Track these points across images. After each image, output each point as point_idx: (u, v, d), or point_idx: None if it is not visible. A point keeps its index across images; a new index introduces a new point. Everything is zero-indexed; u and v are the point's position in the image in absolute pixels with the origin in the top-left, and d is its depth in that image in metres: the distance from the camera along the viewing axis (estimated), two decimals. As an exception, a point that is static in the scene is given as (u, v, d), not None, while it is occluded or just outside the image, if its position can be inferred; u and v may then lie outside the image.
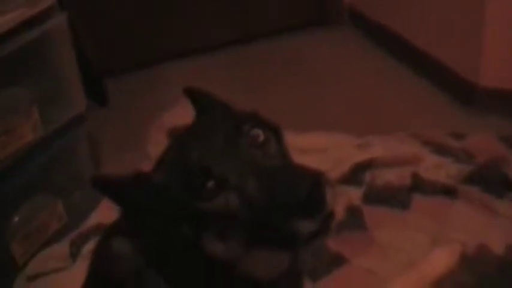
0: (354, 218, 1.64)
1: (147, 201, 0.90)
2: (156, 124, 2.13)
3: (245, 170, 0.84)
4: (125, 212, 0.96)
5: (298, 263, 1.06)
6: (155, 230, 0.91)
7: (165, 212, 0.88)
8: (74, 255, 1.64)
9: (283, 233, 0.82)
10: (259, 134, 0.91)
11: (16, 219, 1.88)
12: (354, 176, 1.77)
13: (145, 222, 0.92)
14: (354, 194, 1.71)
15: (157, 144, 1.96)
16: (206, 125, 0.95)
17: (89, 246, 1.59)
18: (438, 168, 1.81)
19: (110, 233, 1.04)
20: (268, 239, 0.84)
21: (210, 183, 0.84)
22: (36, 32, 1.86)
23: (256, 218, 0.83)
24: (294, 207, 0.80)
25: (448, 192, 1.73)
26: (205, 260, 0.88)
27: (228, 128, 0.90)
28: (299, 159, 1.62)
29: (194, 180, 0.85)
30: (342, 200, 1.65)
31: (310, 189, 0.81)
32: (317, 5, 3.58)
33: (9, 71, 1.83)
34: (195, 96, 1.05)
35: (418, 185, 1.75)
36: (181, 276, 0.95)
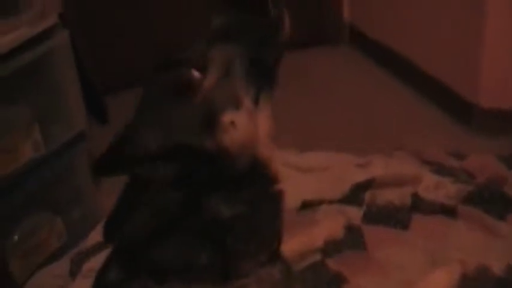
0: (354, 238, 1.64)
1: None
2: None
3: None
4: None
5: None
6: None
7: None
8: (73, 273, 1.63)
9: None
10: None
11: (16, 237, 1.88)
12: (354, 195, 1.77)
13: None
14: (354, 214, 1.71)
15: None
16: None
17: (89, 264, 1.58)
18: (438, 188, 1.81)
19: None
20: None
21: None
22: (38, 51, 1.88)
23: None
24: None
25: (448, 212, 1.73)
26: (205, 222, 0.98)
27: None
28: (300, 178, 1.62)
29: None
30: (341, 219, 1.65)
31: None
32: (317, 24, 3.60)
33: (11, 89, 1.84)
34: None
35: (418, 205, 1.75)
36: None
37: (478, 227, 1.67)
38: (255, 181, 1.01)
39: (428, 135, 2.55)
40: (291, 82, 3.21)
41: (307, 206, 1.72)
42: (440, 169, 1.94)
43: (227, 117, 0.96)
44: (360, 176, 1.83)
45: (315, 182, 1.82)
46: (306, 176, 1.82)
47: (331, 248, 1.55)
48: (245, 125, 0.98)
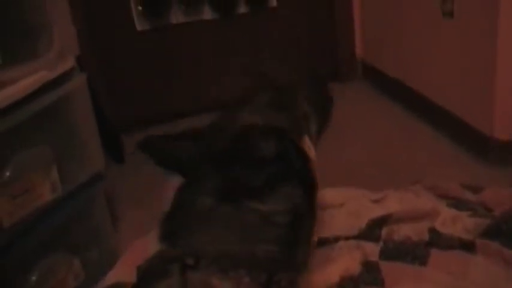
0: (371, 274, 1.63)
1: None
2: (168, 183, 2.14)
3: None
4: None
5: None
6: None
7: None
8: (91, 314, 1.63)
9: None
10: None
11: (33, 278, 1.88)
12: (370, 231, 1.76)
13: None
14: (371, 250, 1.71)
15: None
16: None
17: (107, 304, 1.58)
18: (455, 222, 1.80)
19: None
20: None
21: None
22: (56, 94, 1.91)
23: None
24: None
25: (466, 246, 1.72)
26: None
27: None
28: (318, 215, 1.62)
29: None
30: (358, 255, 1.64)
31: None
32: (330, 61, 3.63)
33: (30, 131, 1.86)
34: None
35: (435, 240, 1.74)
36: None
37: (496, 261, 1.66)
38: (311, 197, 1.24)
39: (444, 169, 2.54)
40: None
41: (323, 242, 1.72)
42: (457, 203, 1.93)
43: (306, 141, 1.32)
44: (376, 212, 1.82)
45: (332, 219, 1.82)
46: (322, 212, 1.82)
47: (348, 284, 1.55)
48: (313, 152, 1.33)
